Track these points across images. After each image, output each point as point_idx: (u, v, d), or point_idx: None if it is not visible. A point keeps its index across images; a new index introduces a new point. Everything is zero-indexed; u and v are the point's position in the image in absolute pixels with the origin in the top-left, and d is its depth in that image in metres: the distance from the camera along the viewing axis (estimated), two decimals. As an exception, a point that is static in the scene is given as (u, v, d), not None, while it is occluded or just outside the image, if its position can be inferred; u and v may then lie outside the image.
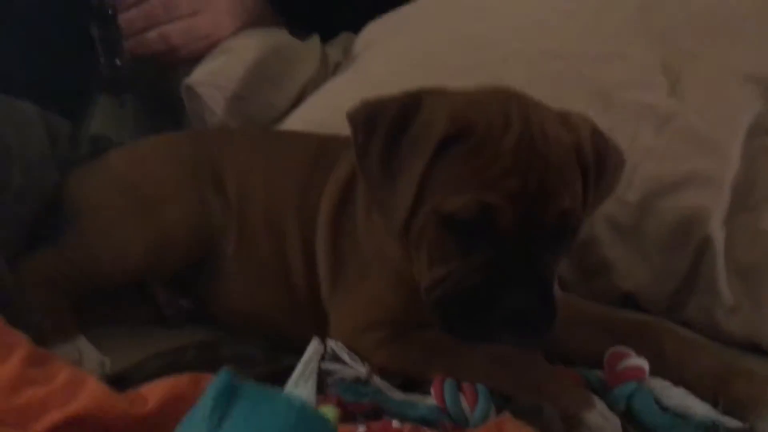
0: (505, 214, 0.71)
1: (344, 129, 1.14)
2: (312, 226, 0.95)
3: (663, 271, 0.95)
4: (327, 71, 1.38)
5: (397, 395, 0.77)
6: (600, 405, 0.73)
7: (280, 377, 0.77)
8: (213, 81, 1.25)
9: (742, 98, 1.00)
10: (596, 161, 0.77)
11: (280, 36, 1.39)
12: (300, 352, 0.88)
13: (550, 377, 0.76)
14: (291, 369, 0.83)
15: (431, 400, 0.74)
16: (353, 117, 0.78)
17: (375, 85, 1.23)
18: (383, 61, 1.28)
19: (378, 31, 1.36)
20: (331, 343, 0.80)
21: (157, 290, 1.01)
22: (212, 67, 1.27)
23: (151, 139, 1.12)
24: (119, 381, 0.77)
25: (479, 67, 1.16)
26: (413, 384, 0.80)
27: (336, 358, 0.79)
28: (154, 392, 0.66)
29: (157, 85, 1.36)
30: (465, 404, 0.73)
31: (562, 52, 1.13)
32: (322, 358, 0.79)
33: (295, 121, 1.25)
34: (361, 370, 0.79)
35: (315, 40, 1.42)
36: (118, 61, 1.27)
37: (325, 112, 1.24)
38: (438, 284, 0.75)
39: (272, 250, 0.98)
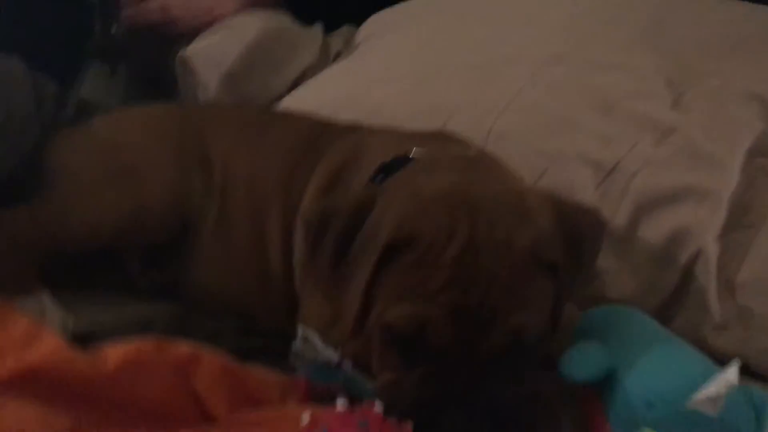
0: (441, 329, 0.66)
1: (336, 118, 1.12)
2: (294, 213, 0.92)
3: (652, 284, 0.93)
4: (327, 60, 1.36)
5: (369, 384, 0.74)
6: None
7: (247, 355, 0.75)
8: (209, 55, 1.23)
9: (745, 117, 0.99)
10: (567, 242, 0.71)
11: (283, 20, 1.37)
12: (268, 334, 0.86)
13: None
14: (258, 348, 0.81)
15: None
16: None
17: (369, 78, 1.22)
18: (380, 55, 1.26)
19: (378, 25, 1.34)
20: (303, 328, 0.78)
21: (130, 261, 0.98)
22: (210, 42, 1.25)
23: (139, 108, 1.09)
24: (82, 341, 0.74)
25: (478, 68, 1.14)
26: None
27: (307, 342, 0.77)
28: (116, 353, 0.63)
29: (152, 58, 1.34)
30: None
31: (566, 57, 1.11)
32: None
33: (288, 106, 1.22)
34: (332, 355, 0.76)
35: (317, 28, 1.41)
36: (113, 29, 1.25)
37: (318, 100, 1.21)
38: (384, 391, 0.70)
39: (251, 233, 0.95)
